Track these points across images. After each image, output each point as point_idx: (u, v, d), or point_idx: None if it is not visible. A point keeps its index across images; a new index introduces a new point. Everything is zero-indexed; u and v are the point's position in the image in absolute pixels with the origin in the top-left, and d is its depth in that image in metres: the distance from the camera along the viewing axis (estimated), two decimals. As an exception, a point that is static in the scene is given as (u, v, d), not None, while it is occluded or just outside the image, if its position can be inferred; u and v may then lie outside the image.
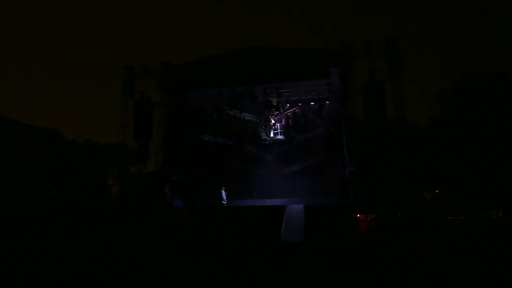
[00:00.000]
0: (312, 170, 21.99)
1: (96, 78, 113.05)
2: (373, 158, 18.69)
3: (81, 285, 4.17)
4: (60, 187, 32.31)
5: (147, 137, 21.43)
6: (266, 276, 4.82)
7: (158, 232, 16.06)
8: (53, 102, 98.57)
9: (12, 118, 19.97)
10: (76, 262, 6.66)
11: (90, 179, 32.74)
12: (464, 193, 20.62)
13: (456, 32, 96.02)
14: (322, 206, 17.81)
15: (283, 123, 22.83)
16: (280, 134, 22.97)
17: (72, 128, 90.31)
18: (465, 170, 20.73)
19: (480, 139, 20.26)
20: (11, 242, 12.30)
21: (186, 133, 22.22)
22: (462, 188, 20.97)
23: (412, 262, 6.63)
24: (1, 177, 18.26)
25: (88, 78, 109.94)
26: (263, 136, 23.28)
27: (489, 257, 7.53)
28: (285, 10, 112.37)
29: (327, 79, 19.35)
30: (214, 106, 22.16)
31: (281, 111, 21.87)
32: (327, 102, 21.10)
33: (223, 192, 20.16)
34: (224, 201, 19.90)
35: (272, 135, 23.24)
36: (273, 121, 22.72)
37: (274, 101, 21.28)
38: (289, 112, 22.54)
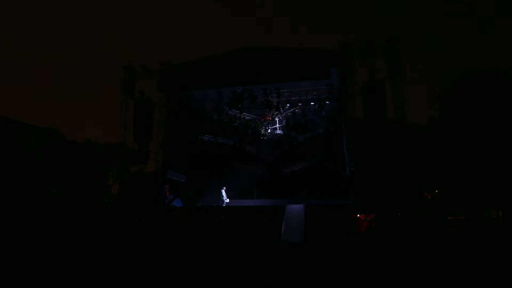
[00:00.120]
0: (312, 170, 22.01)
1: (96, 78, 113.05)
2: (373, 158, 18.68)
3: (81, 285, 4.17)
4: (60, 187, 32.31)
5: (147, 137, 21.43)
6: (266, 276, 4.82)
7: (158, 232, 16.06)
8: (53, 102, 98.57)
9: (12, 118, 19.98)
10: (76, 262, 6.66)
11: (90, 179, 32.74)
12: (464, 193, 20.63)
13: (456, 32, 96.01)
14: (322, 206, 17.81)
15: (282, 119, 22.88)
16: (279, 129, 23.00)
17: (72, 128, 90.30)
18: (465, 170, 20.73)
19: (480, 139, 20.26)
20: (11, 242, 12.30)
21: (186, 133, 22.24)
22: (462, 188, 20.97)
23: (412, 262, 6.63)
24: (1, 177, 18.26)
25: (88, 78, 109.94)
26: (262, 131, 23.33)
27: (489, 257, 7.53)
28: (285, 10, 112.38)
29: (327, 79, 19.34)
30: (214, 106, 22.16)
31: (281, 111, 21.88)
32: (327, 102, 21.09)
33: (223, 192, 20.16)
34: (225, 200, 19.90)
35: (270, 130, 23.29)
36: (270, 118, 22.75)
37: (274, 101, 21.29)
38: (289, 112, 22.56)
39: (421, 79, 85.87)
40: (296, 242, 12.69)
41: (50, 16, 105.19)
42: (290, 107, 22.12)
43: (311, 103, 21.24)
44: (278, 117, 22.79)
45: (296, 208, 16.38)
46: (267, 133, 23.46)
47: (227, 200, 20.00)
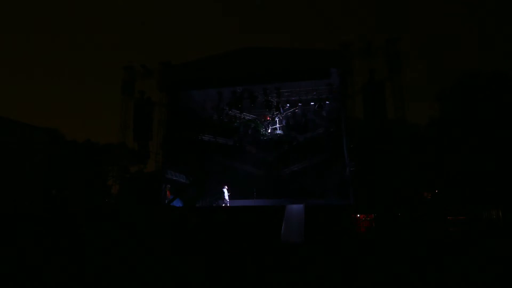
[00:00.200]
0: (312, 170, 22.02)
1: (96, 78, 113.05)
2: (373, 158, 18.69)
3: (81, 285, 4.17)
4: (60, 187, 32.31)
5: (147, 137, 21.43)
6: (266, 276, 4.82)
7: (158, 232, 16.06)
8: (53, 102, 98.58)
9: (12, 118, 19.98)
10: (76, 262, 6.66)
11: (90, 179, 32.74)
12: (464, 193, 20.63)
13: (456, 32, 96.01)
14: (322, 206, 17.81)
15: (282, 119, 22.88)
16: (279, 129, 22.99)
17: (72, 128, 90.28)
18: (465, 170, 20.74)
19: (480, 139, 20.27)
20: (11, 242, 12.30)
21: (186, 133, 22.23)
22: (462, 188, 20.98)
23: (412, 262, 6.63)
24: (1, 177, 18.26)
25: (88, 78, 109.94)
26: (262, 131, 23.33)
27: (489, 257, 7.53)
28: (285, 10, 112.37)
29: (327, 79, 19.34)
30: (214, 106, 22.15)
31: (281, 111, 21.88)
32: (327, 102, 21.10)
33: (225, 191, 20.08)
34: (226, 199, 19.84)
35: (270, 130, 23.28)
36: (270, 118, 22.73)
37: (274, 101, 21.29)
38: (289, 112, 22.57)
39: (421, 79, 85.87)
40: (296, 242, 12.69)
41: (50, 16, 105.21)
42: (290, 107, 22.12)
43: (311, 103, 21.25)
44: (278, 117, 22.79)
45: (296, 208, 16.38)
46: (267, 133, 23.47)
47: (227, 199, 20.02)
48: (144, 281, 4.41)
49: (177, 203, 20.11)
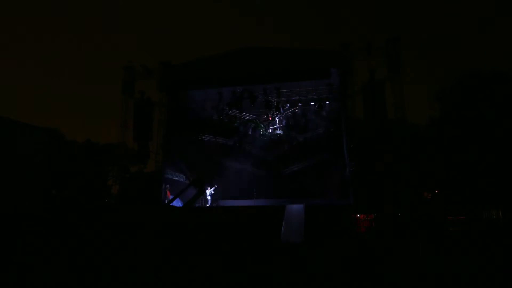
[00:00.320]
0: (312, 170, 22.01)
1: (96, 78, 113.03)
2: (373, 158, 18.69)
3: (81, 285, 4.17)
4: (60, 187, 32.32)
5: (147, 137, 21.45)
6: (266, 276, 4.82)
7: (158, 232, 16.05)
8: (53, 102, 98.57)
9: (12, 118, 19.97)
10: (76, 262, 6.66)
11: (90, 179, 32.75)
12: (464, 193, 20.64)
13: (456, 32, 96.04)
14: (322, 206, 17.81)
15: (282, 119, 22.84)
16: (279, 129, 22.97)
17: (72, 128, 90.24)
18: (465, 170, 20.74)
19: (480, 139, 20.27)
20: (11, 242, 12.30)
21: (186, 133, 22.23)
22: (462, 188, 20.98)
23: (412, 262, 6.63)
24: (1, 177, 18.26)
25: (88, 78, 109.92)
26: (262, 131, 23.31)
27: (489, 257, 7.53)
28: (286, 10, 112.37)
29: (327, 79, 19.35)
30: (214, 106, 22.16)
31: (281, 111, 21.88)
32: (327, 102, 21.10)
33: (208, 191, 20.00)
34: (208, 199, 19.76)
35: (270, 130, 23.26)
36: (270, 118, 22.66)
37: (274, 101, 21.29)
38: (289, 112, 22.56)
39: (421, 79, 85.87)
40: (296, 242, 12.68)
41: (50, 16, 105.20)
42: (290, 107, 22.12)
43: (311, 103, 21.25)
44: (278, 117, 22.79)
45: (296, 208, 16.37)
46: (267, 133, 23.46)
47: (209, 199, 20.19)
48: (144, 281, 4.41)
49: (177, 203, 20.11)
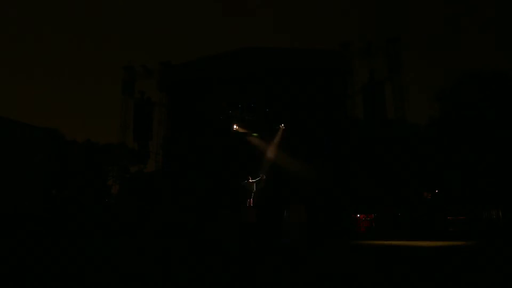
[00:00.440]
0: (312, 170, 21.95)
1: (96, 78, 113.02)
2: (373, 158, 18.69)
3: (81, 285, 4.17)
4: (60, 187, 32.32)
5: (147, 137, 21.45)
6: (266, 276, 4.82)
7: (158, 232, 16.06)
8: (53, 102, 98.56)
9: (12, 118, 19.97)
10: (76, 262, 6.66)
11: (90, 179, 32.75)
12: (464, 193, 20.63)
13: (456, 32, 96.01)
14: (322, 206, 17.81)
15: None
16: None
17: (72, 128, 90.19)
18: (465, 170, 20.73)
19: (480, 139, 20.27)
20: (11, 242, 12.31)
21: (186, 133, 22.22)
22: (462, 188, 20.97)
23: (412, 262, 6.63)
24: (1, 177, 18.25)
25: (88, 78, 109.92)
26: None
27: (489, 257, 7.53)
28: (285, 10, 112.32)
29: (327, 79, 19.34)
30: (214, 106, 22.13)
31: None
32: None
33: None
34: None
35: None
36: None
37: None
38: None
39: (421, 79, 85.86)
40: (296, 242, 12.68)
41: (50, 16, 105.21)
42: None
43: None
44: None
45: (296, 208, 16.36)
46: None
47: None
48: (144, 281, 4.41)
49: (177, 203, 20.06)
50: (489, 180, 19.70)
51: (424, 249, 9.45)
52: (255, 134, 21.76)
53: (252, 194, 15.69)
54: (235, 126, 21.59)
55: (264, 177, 16.11)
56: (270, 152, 21.02)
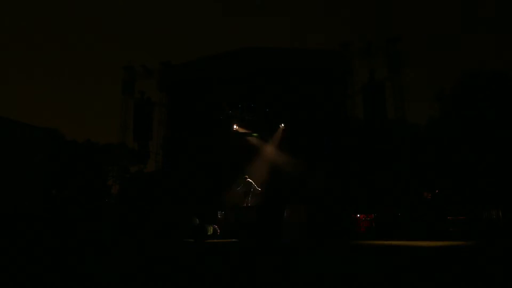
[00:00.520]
0: (312, 170, 21.96)
1: (96, 78, 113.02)
2: (373, 158, 18.69)
3: (81, 285, 4.17)
4: (60, 187, 32.34)
5: (147, 137, 21.45)
6: (266, 276, 4.82)
7: (158, 232, 16.06)
8: (53, 102, 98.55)
9: (12, 118, 19.97)
10: (76, 262, 6.66)
11: (90, 179, 32.77)
12: (464, 193, 20.64)
13: (456, 32, 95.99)
14: (322, 206, 17.81)
15: None
16: None
17: (72, 128, 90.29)
18: (465, 170, 20.75)
19: (480, 139, 20.28)
20: (11, 242, 12.31)
21: (186, 133, 22.23)
22: (462, 188, 20.99)
23: (412, 262, 6.63)
24: (1, 177, 18.25)
25: (88, 78, 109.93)
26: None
27: (489, 257, 7.53)
28: (285, 10, 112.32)
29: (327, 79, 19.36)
30: (214, 106, 22.14)
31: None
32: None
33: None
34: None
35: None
36: None
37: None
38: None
39: (421, 79, 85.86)
40: (296, 242, 12.68)
41: (50, 16, 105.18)
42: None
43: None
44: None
45: (296, 208, 16.37)
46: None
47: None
48: (143, 281, 4.41)
49: (177, 203, 20.07)
50: (489, 180, 19.72)
51: (424, 249, 9.46)
52: (255, 134, 21.74)
53: (250, 194, 15.98)
54: (235, 126, 21.57)
55: (248, 178, 16.57)
56: (270, 152, 21.06)
